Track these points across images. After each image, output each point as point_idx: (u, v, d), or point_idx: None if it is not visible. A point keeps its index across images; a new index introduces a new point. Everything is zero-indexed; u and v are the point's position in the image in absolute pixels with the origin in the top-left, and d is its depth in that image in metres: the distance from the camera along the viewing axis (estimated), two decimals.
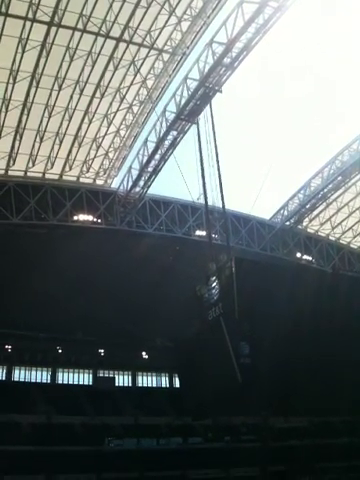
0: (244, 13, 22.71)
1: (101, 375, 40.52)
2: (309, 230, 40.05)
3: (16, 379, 37.42)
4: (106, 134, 31.38)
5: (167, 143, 29.37)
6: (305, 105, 33.52)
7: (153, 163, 30.72)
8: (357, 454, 31.65)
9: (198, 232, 35.35)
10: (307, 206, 36.71)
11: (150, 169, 31.06)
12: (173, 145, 29.38)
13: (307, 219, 38.80)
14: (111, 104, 29.85)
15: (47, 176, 32.15)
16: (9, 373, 37.29)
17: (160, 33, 26.48)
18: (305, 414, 32.94)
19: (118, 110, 30.25)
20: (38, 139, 29.96)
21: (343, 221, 39.57)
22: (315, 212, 38.30)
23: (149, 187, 32.40)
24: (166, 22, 25.97)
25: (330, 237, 40.75)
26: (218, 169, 25.25)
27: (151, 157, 30.39)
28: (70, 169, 32.35)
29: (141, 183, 32.15)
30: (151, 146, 30.24)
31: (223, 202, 25.73)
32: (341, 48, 29.94)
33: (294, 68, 32.28)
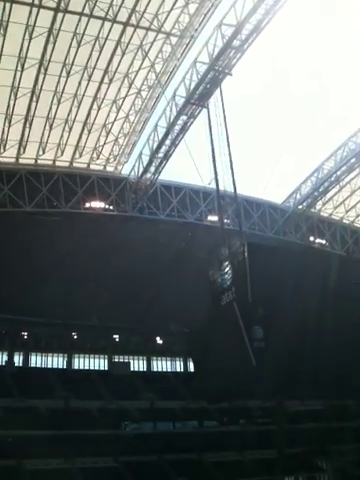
0: None
1: (116, 360, 40.88)
2: (322, 214, 39.64)
3: (33, 365, 37.91)
4: (115, 120, 31.28)
5: (177, 128, 29.19)
6: (319, 87, 32.93)
7: (164, 149, 30.58)
8: None
9: (210, 217, 35.22)
10: (320, 189, 36.31)
11: (161, 155, 30.93)
12: (183, 130, 29.19)
13: (320, 202, 38.39)
14: (120, 89, 29.70)
15: (57, 163, 32.23)
16: (26, 359, 37.76)
17: (167, 16, 26.16)
18: (320, 397, 33.01)
19: (127, 95, 30.10)
20: (48, 126, 29.96)
21: (357, 204, 39.08)
22: (328, 195, 37.88)
23: (160, 173, 32.30)
24: (173, 5, 25.64)
25: (344, 220, 40.31)
26: (229, 153, 25.10)
27: (161, 142, 30.23)
28: (80, 156, 32.36)
29: (152, 169, 32.06)
30: (161, 131, 30.08)
31: (235, 186, 25.61)
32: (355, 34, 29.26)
33: (310, 50, 31.66)
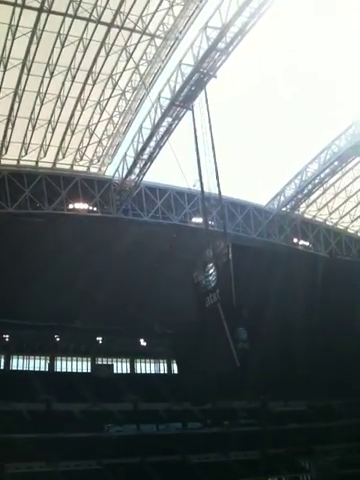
0: None
1: (99, 363, 40.68)
2: (306, 216, 39.99)
3: (14, 368, 37.51)
4: (99, 121, 31.12)
5: (162, 130, 29.16)
6: (302, 91, 33.26)
7: (148, 150, 30.52)
8: (356, 436, 32.05)
9: (194, 219, 35.28)
10: (304, 192, 36.60)
11: (145, 156, 30.87)
12: (168, 132, 29.17)
13: (304, 205, 38.71)
14: (103, 91, 29.54)
15: (40, 164, 31.94)
16: (7, 362, 37.37)
17: (152, 18, 26.11)
18: (303, 398, 33.28)
19: (111, 97, 29.95)
20: (30, 127, 29.67)
21: (340, 206, 39.51)
22: (312, 197, 38.21)
23: (144, 174, 32.24)
24: (158, 7, 25.60)
25: (327, 222, 40.71)
26: (214, 155, 25.10)
27: (146, 144, 30.18)
28: (63, 157, 32.12)
29: (136, 170, 31.97)
30: (146, 133, 30.03)
31: (219, 189, 25.63)
32: (341, 36, 29.62)
33: (293, 54, 31.94)
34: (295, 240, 39.81)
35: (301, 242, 40.07)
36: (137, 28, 26.48)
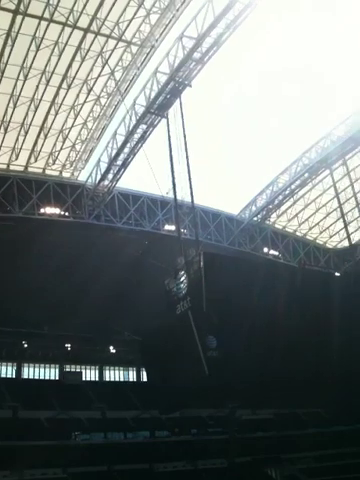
0: (214, 8, 22.86)
1: (68, 370, 40.16)
2: (277, 226, 40.59)
3: None
4: (73, 126, 30.95)
5: (136, 136, 29.23)
6: (275, 102, 33.89)
7: (122, 156, 30.53)
8: (322, 445, 32.46)
9: (167, 226, 35.34)
10: (275, 202, 37.17)
11: (119, 162, 30.85)
12: (143, 139, 29.25)
13: (275, 215, 39.29)
14: (78, 95, 29.42)
15: (11, 168, 31.50)
16: None
17: (128, 25, 26.20)
18: (271, 406, 33.53)
19: (85, 102, 29.84)
20: (2, 130, 29.29)
21: (310, 217, 40.28)
22: (283, 208, 38.84)
23: (118, 180, 32.18)
24: (135, 14, 25.71)
25: (297, 233, 41.40)
26: (187, 164, 25.23)
27: (120, 150, 30.18)
28: (36, 161, 31.77)
29: (110, 176, 31.89)
30: (120, 139, 30.03)
31: (192, 196, 25.76)
32: (310, 46, 30.35)
33: (266, 65, 32.54)
34: (265, 249, 40.32)
35: (271, 252, 40.62)
36: (113, 34, 26.52)
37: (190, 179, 25.26)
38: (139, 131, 28.89)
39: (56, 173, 33.07)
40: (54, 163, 32.47)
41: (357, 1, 26.07)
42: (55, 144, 31.53)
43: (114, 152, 30.47)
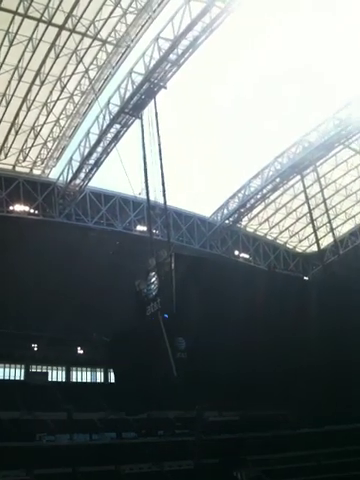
0: (191, 11, 22.96)
1: (34, 370, 39.50)
2: (248, 229, 41.00)
3: None
4: (45, 123, 30.58)
5: (110, 136, 29.10)
6: (250, 107, 34.08)
7: (95, 155, 30.34)
8: (286, 447, 32.84)
9: (139, 227, 35.25)
10: (246, 206, 37.54)
11: (92, 161, 30.65)
12: (116, 138, 29.13)
13: (247, 218, 39.69)
14: (51, 92, 29.09)
15: None
16: None
17: (104, 24, 26.09)
18: (238, 408, 33.77)
19: (58, 99, 29.54)
20: None
21: (280, 222, 40.83)
22: (254, 212, 39.28)
23: (90, 179, 31.95)
24: (111, 13, 25.61)
25: (268, 236, 41.90)
26: (161, 165, 25.32)
27: (93, 149, 29.98)
28: (5, 157, 31.24)
29: (82, 175, 31.64)
30: (93, 138, 29.83)
31: (165, 198, 25.82)
32: (284, 50, 30.53)
33: (241, 68, 32.68)
34: (236, 252, 40.64)
35: (242, 255, 40.97)
36: (89, 33, 26.34)
37: (163, 180, 25.33)
38: (113, 131, 28.76)
39: (26, 170, 32.58)
40: (24, 160, 31.97)
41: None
42: (26, 141, 31.06)
43: (87, 151, 30.24)
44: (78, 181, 31.94)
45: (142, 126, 26.50)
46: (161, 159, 25.35)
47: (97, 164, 30.67)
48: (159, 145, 25.50)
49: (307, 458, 33.24)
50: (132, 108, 27.11)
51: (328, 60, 29.69)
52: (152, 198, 26.20)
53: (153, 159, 25.66)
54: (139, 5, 25.11)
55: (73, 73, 28.34)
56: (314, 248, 40.52)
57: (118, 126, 28.49)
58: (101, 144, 29.57)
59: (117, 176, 30.57)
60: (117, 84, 27.98)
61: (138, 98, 26.64)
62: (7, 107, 28.67)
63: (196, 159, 36.87)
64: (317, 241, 35.27)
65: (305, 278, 39.29)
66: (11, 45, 25.66)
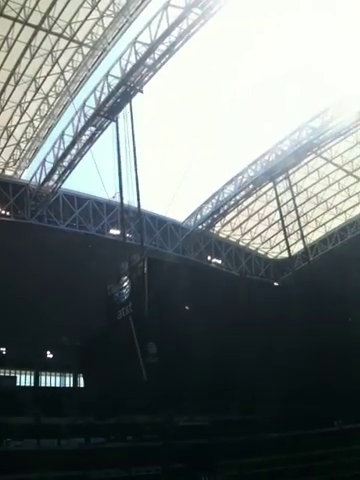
0: (169, 17, 23.12)
1: (1, 374, 38.79)
2: (221, 235, 41.31)
3: None
4: (18, 123, 30.24)
5: (85, 138, 28.96)
6: (225, 114, 34.34)
7: (69, 158, 30.13)
8: (254, 451, 33.05)
9: (112, 231, 35.07)
10: (220, 211, 37.83)
11: (65, 163, 30.41)
12: (91, 141, 29.01)
13: (219, 224, 39.99)
14: (25, 93, 28.83)
15: None
16: None
17: (81, 26, 26.06)
18: (208, 413, 33.84)
19: (33, 100, 29.30)
20: None
21: (253, 228, 41.29)
22: (227, 218, 39.61)
23: (63, 182, 31.69)
24: (88, 15, 25.60)
25: (240, 242, 42.29)
26: (135, 169, 25.30)
27: (67, 151, 29.77)
28: None
29: (55, 177, 31.35)
30: (68, 140, 29.64)
31: (139, 202, 25.80)
32: (263, 56, 30.81)
33: (218, 74, 32.89)
34: (209, 257, 40.87)
35: (214, 260, 41.23)
36: (65, 34, 26.24)
37: (137, 184, 25.31)
38: (87, 133, 28.64)
39: None
40: None
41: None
42: None
43: (61, 153, 30.01)
44: (51, 183, 31.63)
45: (117, 129, 26.45)
46: (135, 163, 25.35)
47: (71, 166, 30.45)
48: (134, 148, 25.49)
49: (273, 462, 33.57)
50: (107, 111, 27.06)
51: (308, 67, 30.01)
52: (126, 202, 26.15)
53: (128, 162, 25.63)
54: (116, 8, 25.18)
55: (48, 74, 28.16)
56: (285, 254, 41.12)
57: (93, 128, 28.39)
58: (75, 146, 29.40)
59: (91, 179, 30.45)
60: (93, 86, 27.91)
61: (114, 101, 26.61)
62: None
63: (171, 163, 36.99)
64: (288, 248, 35.78)
65: (275, 284, 39.78)
66: None
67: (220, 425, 35.18)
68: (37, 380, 40.35)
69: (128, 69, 25.36)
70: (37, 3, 24.26)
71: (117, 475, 31.24)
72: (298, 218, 35.95)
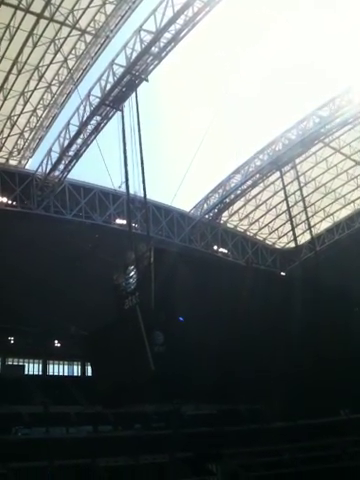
0: (174, 4, 22.76)
1: (10, 363, 39.20)
2: (229, 225, 41.12)
3: None
4: (22, 113, 30.06)
5: (90, 128, 28.74)
6: (232, 103, 34.02)
7: (75, 147, 29.96)
8: (261, 440, 33.25)
9: (118, 220, 35.00)
10: (226, 201, 37.59)
11: (71, 153, 30.26)
12: (96, 130, 28.81)
13: (227, 214, 39.79)
14: (28, 82, 28.55)
15: None
16: None
17: (83, 13, 25.67)
18: (215, 402, 34.01)
19: (36, 89, 29.02)
20: None
21: (261, 218, 41.09)
22: (235, 208, 39.40)
23: (69, 171, 31.57)
24: (90, 3, 25.25)
25: (247, 232, 42.11)
26: (141, 158, 25.09)
27: (73, 141, 29.59)
28: None
29: (61, 167, 31.23)
30: (73, 130, 29.43)
31: (145, 191, 25.66)
32: (270, 46, 30.44)
33: (225, 64, 32.53)
34: (215, 247, 40.76)
35: (220, 249, 41.11)
36: (67, 22, 25.90)
37: (143, 173, 25.15)
38: (93, 122, 28.43)
39: (2, 161, 32.04)
40: (0, 150, 31.43)
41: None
42: (2, 131, 30.51)
43: (66, 142, 29.83)
44: (57, 173, 31.55)
45: (123, 118, 26.24)
46: (141, 152, 25.16)
47: (77, 156, 30.32)
48: (139, 138, 25.30)
49: (280, 452, 33.81)
50: (113, 100, 26.81)
51: (316, 57, 29.72)
52: (132, 191, 26.01)
53: (134, 152, 25.45)
54: None
55: (51, 62, 27.89)
56: (292, 245, 40.92)
57: (98, 118, 28.16)
58: (81, 136, 29.21)
59: (97, 168, 30.30)
60: (97, 75, 27.67)
61: (119, 90, 26.34)
62: None
63: (178, 152, 36.81)
64: (295, 238, 35.54)
65: (282, 274, 39.65)
66: None
67: (227, 414, 35.44)
68: (45, 369, 40.71)
69: (133, 58, 25.04)
70: None
71: (125, 463, 31.69)
72: (305, 208, 35.67)
